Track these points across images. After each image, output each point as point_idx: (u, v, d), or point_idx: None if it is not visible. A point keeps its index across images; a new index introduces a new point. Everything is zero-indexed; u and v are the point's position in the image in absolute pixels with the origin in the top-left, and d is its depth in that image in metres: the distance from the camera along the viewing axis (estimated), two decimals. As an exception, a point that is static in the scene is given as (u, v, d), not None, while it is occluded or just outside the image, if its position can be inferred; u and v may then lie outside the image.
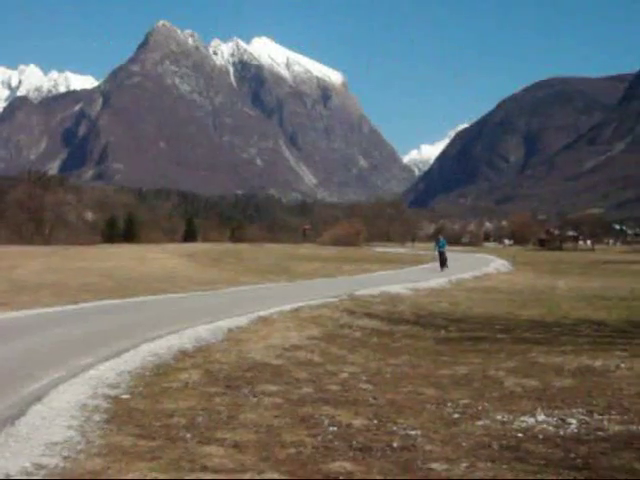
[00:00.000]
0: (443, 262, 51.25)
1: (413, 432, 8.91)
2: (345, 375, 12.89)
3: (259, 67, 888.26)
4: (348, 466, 7.46)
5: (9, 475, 7.06)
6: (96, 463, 7.41)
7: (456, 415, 9.92)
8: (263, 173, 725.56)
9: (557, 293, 35.81)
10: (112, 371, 12.66)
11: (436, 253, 53.53)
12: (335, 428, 9.08)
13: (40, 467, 7.31)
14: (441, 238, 55.80)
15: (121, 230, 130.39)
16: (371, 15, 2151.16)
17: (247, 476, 7.00)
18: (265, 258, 65.65)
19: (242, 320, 20.56)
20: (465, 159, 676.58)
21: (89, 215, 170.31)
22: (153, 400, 10.51)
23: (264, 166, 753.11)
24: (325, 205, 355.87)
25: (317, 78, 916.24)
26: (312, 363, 14.14)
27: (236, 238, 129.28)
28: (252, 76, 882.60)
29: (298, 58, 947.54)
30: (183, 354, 14.77)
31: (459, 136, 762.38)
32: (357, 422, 9.39)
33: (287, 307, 24.34)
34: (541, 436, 8.78)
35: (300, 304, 25.40)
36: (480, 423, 9.41)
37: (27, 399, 10.49)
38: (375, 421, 9.47)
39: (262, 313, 22.35)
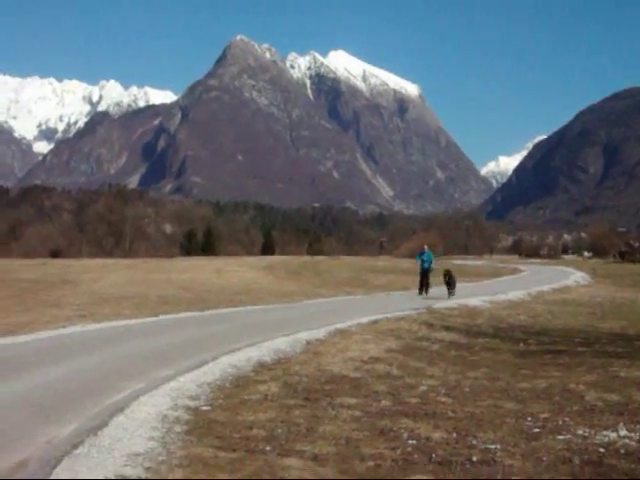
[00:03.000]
0: (426, 284, 38.68)
1: (493, 446, 8.82)
2: (424, 388, 12.83)
3: (336, 80, 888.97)
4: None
5: (93, 486, 7.16)
6: (177, 474, 7.48)
7: (536, 429, 9.80)
8: (340, 186, 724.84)
9: (638, 306, 35.28)
10: (192, 383, 12.77)
11: (419, 269, 39.89)
12: (414, 441, 9.03)
13: (122, 478, 7.39)
14: (426, 250, 40.07)
15: (199, 243, 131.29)
16: (447, 27, 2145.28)
17: (326, 488, 7.00)
18: (342, 271, 65.62)
19: (320, 332, 20.59)
20: (543, 170, 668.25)
21: (168, 228, 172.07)
22: (233, 412, 10.56)
23: (341, 179, 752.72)
24: (402, 217, 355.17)
25: (394, 90, 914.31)
26: (390, 376, 14.10)
27: (313, 251, 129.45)
28: (329, 89, 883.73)
29: (374, 70, 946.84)
30: (262, 366, 14.84)
31: (537, 147, 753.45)
32: (436, 435, 9.33)
33: (365, 320, 24.32)
34: (623, 451, 8.62)
35: (378, 317, 25.36)
36: (561, 437, 9.28)
37: (109, 410, 10.63)
38: (454, 434, 9.40)
39: (340, 325, 22.36)
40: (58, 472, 7.57)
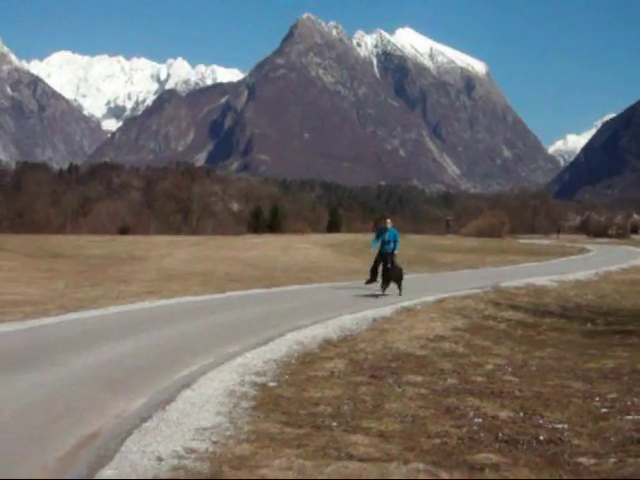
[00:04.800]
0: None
1: (560, 426, 8.78)
2: (490, 367, 12.79)
3: (402, 58, 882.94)
4: (494, 458, 7.41)
5: (161, 457, 7.26)
6: (244, 449, 7.55)
7: (604, 409, 9.72)
8: (406, 164, 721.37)
9: None
10: (259, 359, 12.87)
11: (374, 251, 27.26)
12: (480, 420, 9.02)
13: (191, 451, 7.49)
14: (389, 225, 26.94)
15: (266, 220, 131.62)
16: (514, 3, 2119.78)
17: (393, 465, 7.01)
18: (408, 249, 65.38)
19: (386, 310, 20.61)
20: (612, 149, 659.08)
21: (235, 206, 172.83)
22: (299, 388, 10.63)
23: (407, 157, 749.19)
24: (468, 196, 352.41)
25: (461, 68, 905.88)
26: (457, 354, 14.08)
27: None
28: (395, 67, 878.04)
29: (441, 48, 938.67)
30: (328, 343, 14.90)
31: (606, 126, 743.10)
32: (503, 414, 9.31)
33: (431, 298, 24.28)
34: (693, 432, 8.53)
35: (444, 295, 25.29)
36: (629, 418, 9.20)
37: (177, 385, 10.78)
38: (521, 414, 9.37)
39: (406, 303, 22.36)
40: (128, 444, 7.69)
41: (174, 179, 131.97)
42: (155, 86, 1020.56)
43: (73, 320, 18.14)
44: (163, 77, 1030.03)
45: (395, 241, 26.38)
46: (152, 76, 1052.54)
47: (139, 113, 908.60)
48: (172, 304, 22.07)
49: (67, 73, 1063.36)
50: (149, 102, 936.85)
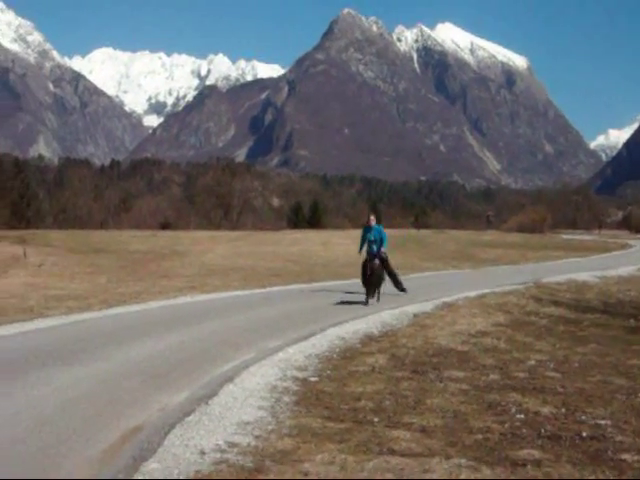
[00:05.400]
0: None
1: (603, 422, 8.73)
2: (532, 363, 12.73)
3: (443, 53, 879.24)
4: (536, 454, 7.38)
5: (203, 451, 7.30)
6: (286, 443, 7.58)
7: (648, 406, 9.66)
8: (447, 159, 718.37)
9: None
10: (300, 354, 12.91)
11: (363, 255, 23.34)
12: (523, 415, 8.99)
13: (233, 445, 7.53)
14: (372, 223, 23.43)
15: (306, 216, 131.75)
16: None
17: (434, 461, 7.01)
18: (448, 244, 65.30)
19: (427, 306, 20.60)
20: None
21: (275, 201, 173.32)
22: (340, 383, 10.65)
23: (448, 152, 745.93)
24: (509, 191, 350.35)
25: (501, 63, 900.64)
26: (498, 350, 14.03)
27: (419, 224, 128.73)
28: (436, 62, 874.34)
29: (482, 43, 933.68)
30: (369, 338, 14.91)
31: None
32: (545, 410, 9.27)
33: (472, 293, 24.23)
34: None
35: (485, 291, 25.24)
36: (674, 415, 9.14)
37: (219, 379, 10.84)
38: (563, 410, 9.32)
39: (447, 299, 22.33)
40: (171, 438, 7.75)
41: (215, 174, 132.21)
42: (196, 82, 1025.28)
43: (116, 315, 18.31)
44: (204, 73, 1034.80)
45: (382, 239, 23.07)
46: (193, 72, 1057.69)
47: (180, 109, 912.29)
48: (213, 299, 22.19)
49: (109, 69, 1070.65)
50: (190, 98, 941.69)
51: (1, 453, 7.13)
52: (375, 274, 22.00)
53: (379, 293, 22.65)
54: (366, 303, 21.55)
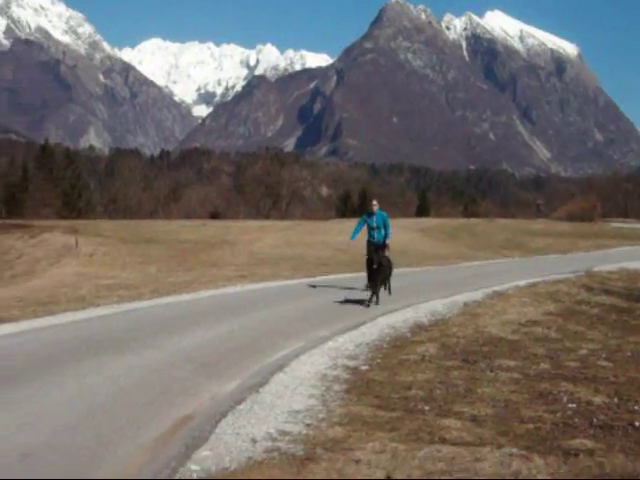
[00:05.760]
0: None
1: (656, 412, 8.65)
2: (583, 352, 12.64)
3: (492, 41, 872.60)
4: (588, 443, 7.32)
5: (255, 439, 7.33)
6: (337, 431, 7.59)
7: None
8: (496, 147, 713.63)
9: None
10: (350, 343, 12.92)
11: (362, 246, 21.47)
12: (574, 405, 8.92)
13: (284, 433, 7.56)
14: (375, 208, 20.99)
15: (355, 205, 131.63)
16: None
17: (486, 450, 6.98)
18: (498, 233, 64.92)
19: (477, 295, 20.53)
20: None
21: (324, 190, 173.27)
22: (391, 372, 10.64)
23: (497, 140, 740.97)
24: (559, 180, 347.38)
25: (551, 50, 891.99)
26: (549, 339, 13.94)
27: (469, 213, 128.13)
28: (485, 50, 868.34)
29: (531, 30, 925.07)
30: (419, 327, 14.88)
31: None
32: (597, 399, 9.19)
33: (522, 282, 24.12)
34: None
35: (536, 279, 25.10)
36: None
37: (270, 368, 10.89)
38: (616, 399, 9.24)
39: (497, 288, 22.24)
40: (222, 426, 7.80)
41: (264, 164, 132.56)
42: (244, 72, 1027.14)
43: (166, 304, 18.43)
44: (252, 63, 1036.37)
45: (386, 227, 20.63)
46: (241, 62, 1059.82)
47: (229, 99, 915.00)
48: (263, 288, 22.25)
49: (158, 60, 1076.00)
50: (238, 88, 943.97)
51: (55, 440, 7.21)
52: (382, 267, 19.06)
53: (389, 287, 20.12)
54: (369, 303, 18.44)
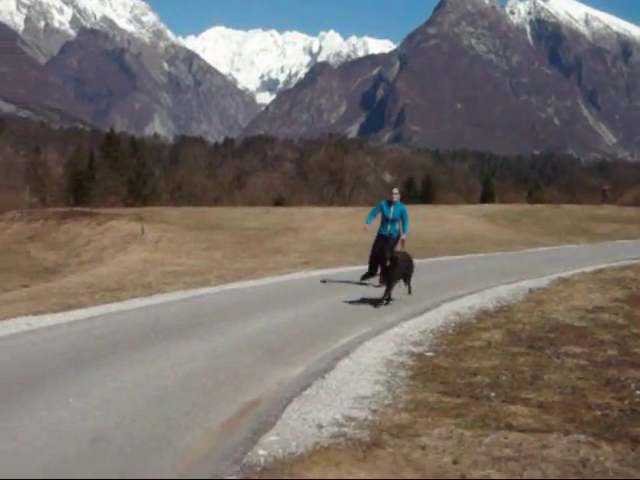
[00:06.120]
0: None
1: None
2: (652, 338, 12.50)
3: (557, 25, 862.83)
4: (657, 431, 7.26)
5: (321, 425, 7.37)
6: (403, 417, 7.60)
7: None
8: (561, 133, 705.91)
9: None
10: (415, 329, 12.91)
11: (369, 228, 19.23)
12: (643, 392, 8.84)
13: (350, 419, 7.59)
14: (395, 198, 18.76)
15: (418, 191, 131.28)
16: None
17: (553, 436, 6.95)
18: (563, 219, 64.29)
19: (542, 281, 20.38)
20: None
21: (387, 177, 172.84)
22: (456, 358, 10.61)
23: (562, 125, 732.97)
24: (626, 165, 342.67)
25: (617, 34, 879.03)
26: (616, 325, 13.78)
27: (533, 199, 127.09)
28: (549, 34, 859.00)
29: (597, 14, 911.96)
30: (484, 314, 14.81)
31: None
32: (666, 387, 9.10)
33: (588, 268, 23.91)
34: None
35: (602, 266, 24.87)
36: None
37: (335, 354, 10.92)
38: (686, 387, 9.14)
39: (563, 274, 22.06)
40: (289, 411, 7.85)
41: (327, 151, 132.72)
42: (307, 59, 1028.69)
43: (232, 290, 18.57)
44: (315, 50, 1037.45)
45: (403, 220, 18.69)
46: (304, 49, 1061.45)
47: (292, 86, 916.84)
48: (327, 274, 22.27)
49: (222, 48, 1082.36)
50: (302, 75, 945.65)
51: (125, 425, 7.31)
52: (397, 263, 16.19)
53: (409, 286, 17.46)
54: (386, 302, 16.05)
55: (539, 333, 12.66)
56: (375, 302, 15.88)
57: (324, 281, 20.00)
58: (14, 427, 7.17)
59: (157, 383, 8.97)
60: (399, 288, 16.66)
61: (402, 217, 18.61)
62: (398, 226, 18.70)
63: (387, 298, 16.05)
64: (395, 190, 19.00)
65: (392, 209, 18.57)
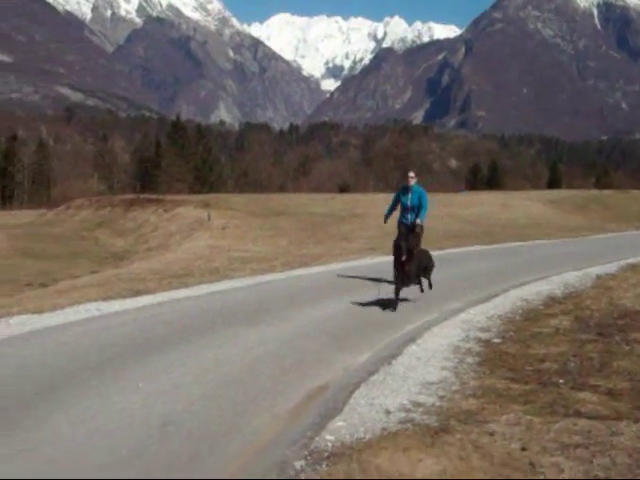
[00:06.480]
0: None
1: None
2: None
3: (625, 8, 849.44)
4: None
5: (388, 410, 7.38)
6: (471, 404, 7.57)
7: None
8: (629, 117, 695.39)
9: None
10: (482, 315, 12.86)
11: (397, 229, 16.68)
12: None
13: (417, 405, 7.58)
14: (412, 182, 16.20)
15: (484, 177, 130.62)
16: None
17: (622, 424, 6.88)
18: (632, 205, 63.50)
19: (611, 267, 20.18)
20: None
21: (453, 162, 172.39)
22: (524, 345, 10.54)
23: (630, 110, 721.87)
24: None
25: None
26: (687, 312, 13.59)
27: (601, 185, 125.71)
28: (617, 17, 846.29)
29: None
30: (552, 300, 14.69)
31: None
32: None
33: (659, 255, 23.59)
34: None
35: (673, 252, 24.51)
36: None
37: (402, 340, 10.91)
38: None
39: (632, 260, 21.82)
40: (356, 397, 7.86)
41: (392, 137, 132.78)
42: (372, 45, 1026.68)
43: (297, 276, 18.65)
44: (380, 36, 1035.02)
45: (421, 205, 16.05)
46: (369, 35, 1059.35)
47: (357, 72, 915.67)
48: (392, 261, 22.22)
49: (286, 35, 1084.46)
50: (366, 61, 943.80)
51: (193, 409, 7.38)
52: (411, 257, 14.07)
53: (430, 282, 15.43)
54: (395, 307, 13.61)
55: (607, 319, 12.52)
56: (392, 302, 13.68)
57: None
58: (86, 411, 7.28)
59: (225, 368, 9.03)
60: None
61: (420, 202, 16.00)
62: (415, 213, 16.13)
63: (395, 297, 13.78)
64: (411, 173, 16.51)
65: (410, 195, 16.18)
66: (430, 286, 15.27)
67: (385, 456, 5.99)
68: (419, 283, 15.02)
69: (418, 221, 15.72)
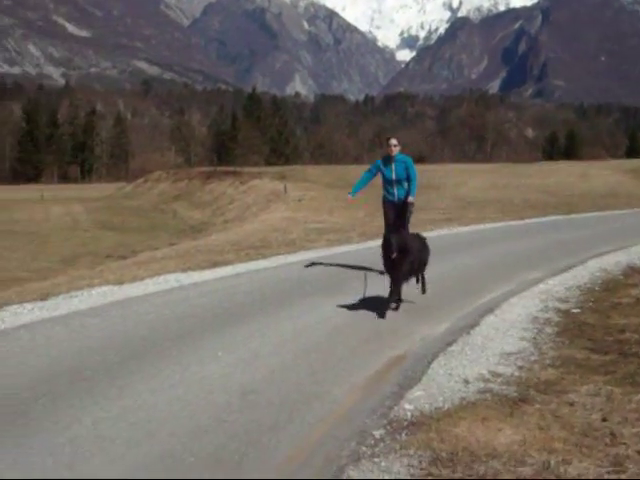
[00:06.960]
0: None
1: None
2: None
3: None
4: None
5: (467, 380, 7.37)
6: (550, 374, 7.52)
7: None
8: None
9: None
10: (561, 286, 12.76)
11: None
12: None
13: (496, 375, 7.55)
14: (394, 151, 13.40)
15: (561, 147, 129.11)
16: None
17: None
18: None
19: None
20: None
21: (529, 132, 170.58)
22: (603, 315, 10.43)
23: None
24: None
25: None
26: None
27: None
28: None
29: None
30: (632, 270, 14.53)
31: None
32: None
33: None
34: None
35: None
36: None
37: (480, 310, 10.87)
38: None
39: None
40: (434, 367, 7.85)
41: (468, 107, 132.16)
42: (447, 14, 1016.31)
43: (374, 247, 18.63)
44: (455, 5, 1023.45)
45: (409, 177, 13.49)
46: (444, 4, 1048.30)
47: (432, 42, 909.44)
48: (470, 231, 22.19)
49: (361, 5, 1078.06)
50: (442, 31, 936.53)
51: (273, 379, 7.44)
52: (407, 253, 10.80)
53: (423, 282, 12.12)
54: (396, 305, 11.11)
55: (695, 290, 12.36)
56: (385, 306, 10.77)
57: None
58: (166, 380, 7.39)
59: (303, 338, 9.10)
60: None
61: (407, 174, 13.44)
62: (405, 187, 13.57)
63: (397, 298, 11.16)
64: (393, 141, 13.62)
65: (393, 166, 13.49)
66: (424, 290, 12.10)
67: (464, 426, 6.00)
68: (422, 282, 12.08)
69: (411, 199, 13.30)
